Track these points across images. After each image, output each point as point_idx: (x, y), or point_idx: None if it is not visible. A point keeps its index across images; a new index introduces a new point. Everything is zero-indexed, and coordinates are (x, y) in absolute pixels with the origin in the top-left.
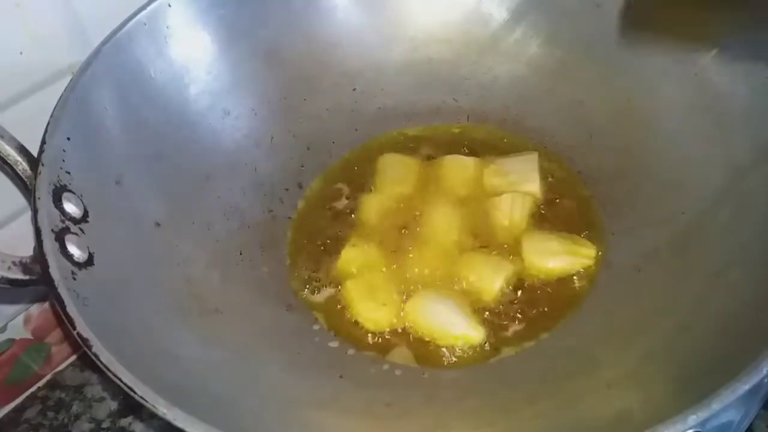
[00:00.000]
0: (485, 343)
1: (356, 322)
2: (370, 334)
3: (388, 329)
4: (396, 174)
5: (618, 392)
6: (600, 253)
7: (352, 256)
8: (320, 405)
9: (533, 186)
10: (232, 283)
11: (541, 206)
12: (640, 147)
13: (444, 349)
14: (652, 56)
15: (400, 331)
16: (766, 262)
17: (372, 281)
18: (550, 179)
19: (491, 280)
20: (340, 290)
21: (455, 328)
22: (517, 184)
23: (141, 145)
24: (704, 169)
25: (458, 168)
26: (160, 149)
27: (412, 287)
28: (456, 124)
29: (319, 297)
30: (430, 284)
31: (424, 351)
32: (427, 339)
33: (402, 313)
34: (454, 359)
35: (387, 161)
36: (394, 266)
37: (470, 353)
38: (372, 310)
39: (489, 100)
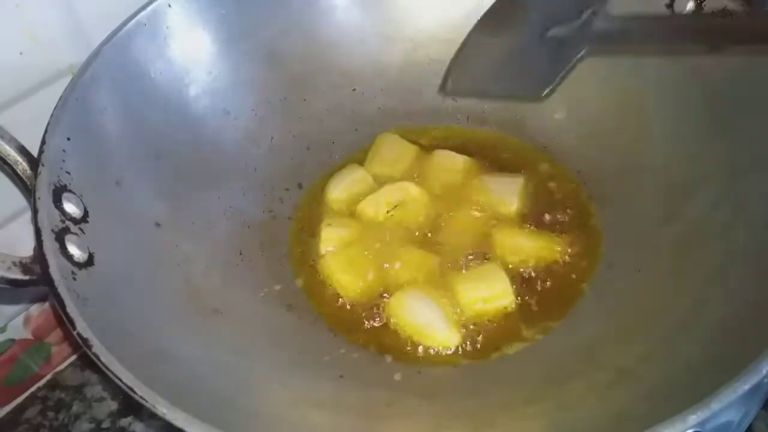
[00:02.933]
0: (459, 347)
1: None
2: (364, 333)
3: (364, 299)
4: (389, 155)
5: (617, 392)
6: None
7: (330, 236)
8: (320, 405)
9: (509, 210)
10: (232, 283)
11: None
12: (640, 147)
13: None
14: (652, 56)
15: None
16: (766, 261)
17: (350, 255)
18: (550, 183)
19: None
20: (319, 264)
21: (431, 330)
22: (495, 205)
23: (141, 146)
24: (704, 169)
25: (446, 163)
26: (160, 149)
27: (389, 263)
28: (462, 127)
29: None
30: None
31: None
32: (405, 335)
33: (384, 307)
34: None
35: (385, 140)
36: (374, 244)
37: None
38: (351, 282)
39: (488, 100)
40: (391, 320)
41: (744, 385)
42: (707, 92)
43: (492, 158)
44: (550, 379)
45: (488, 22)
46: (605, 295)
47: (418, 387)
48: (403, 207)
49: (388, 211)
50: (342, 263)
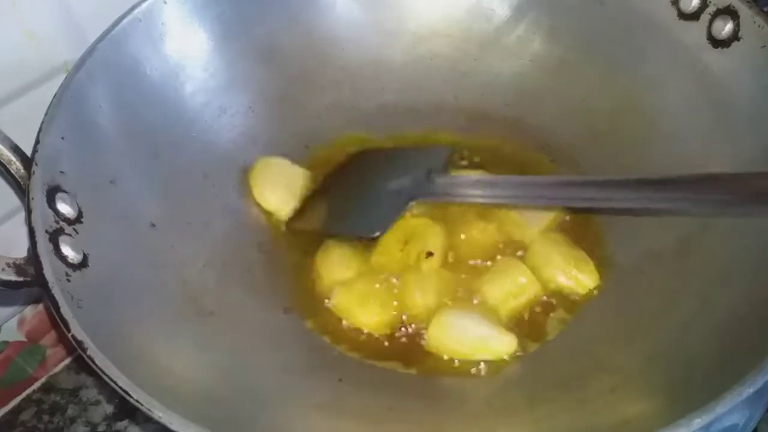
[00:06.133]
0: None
1: (356, 329)
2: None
3: (388, 331)
4: None
5: (621, 395)
6: (598, 284)
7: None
8: (319, 408)
9: (524, 236)
10: (229, 284)
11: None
12: (643, 146)
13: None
14: (656, 53)
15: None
16: None
17: (361, 288)
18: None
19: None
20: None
21: (487, 342)
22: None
23: (136, 144)
24: (707, 169)
25: None
26: (156, 148)
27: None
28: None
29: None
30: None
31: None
32: (455, 357)
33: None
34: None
35: None
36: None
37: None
38: (371, 315)
39: (490, 97)
40: (436, 348)
41: (749, 389)
42: (712, 89)
43: (492, 158)
44: (553, 383)
45: (337, 174)
46: (608, 297)
47: (419, 390)
48: (418, 241)
49: (401, 250)
50: (356, 298)
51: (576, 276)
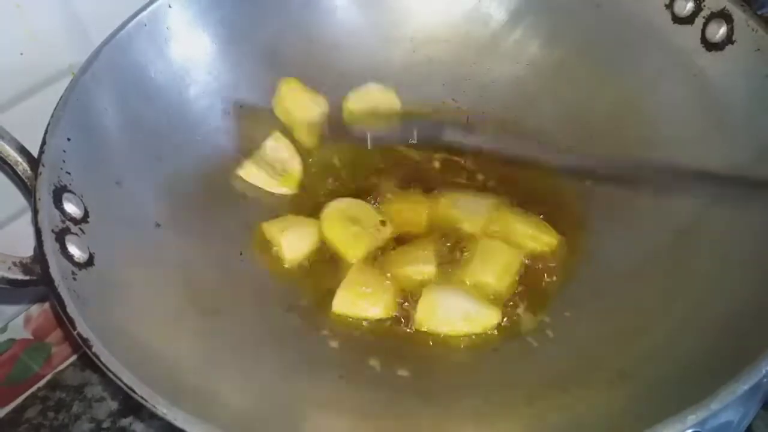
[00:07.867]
0: (501, 322)
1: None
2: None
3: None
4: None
5: (617, 392)
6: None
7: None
8: (320, 405)
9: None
10: (232, 283)
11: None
12: (640, 147)
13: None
14: (652, 57)
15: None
16: (765, 261)
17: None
18: (548, 182)
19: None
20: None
21: (474, 315)
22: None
23: (141, 146)
24: (703, 168)
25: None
26: (160, 150)
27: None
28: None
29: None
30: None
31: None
32: (442, 333)
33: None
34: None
35: None
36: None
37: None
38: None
39: (489, 100)
40: (423, 325)
41: (743, 386)
42: (707, 92)
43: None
44: (551, 380)
45: None
46: (604, 296)
47: (418, 387)
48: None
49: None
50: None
51: (538, 237)
